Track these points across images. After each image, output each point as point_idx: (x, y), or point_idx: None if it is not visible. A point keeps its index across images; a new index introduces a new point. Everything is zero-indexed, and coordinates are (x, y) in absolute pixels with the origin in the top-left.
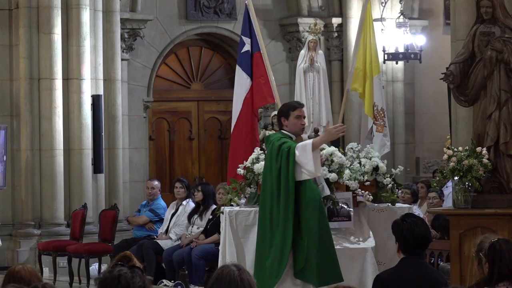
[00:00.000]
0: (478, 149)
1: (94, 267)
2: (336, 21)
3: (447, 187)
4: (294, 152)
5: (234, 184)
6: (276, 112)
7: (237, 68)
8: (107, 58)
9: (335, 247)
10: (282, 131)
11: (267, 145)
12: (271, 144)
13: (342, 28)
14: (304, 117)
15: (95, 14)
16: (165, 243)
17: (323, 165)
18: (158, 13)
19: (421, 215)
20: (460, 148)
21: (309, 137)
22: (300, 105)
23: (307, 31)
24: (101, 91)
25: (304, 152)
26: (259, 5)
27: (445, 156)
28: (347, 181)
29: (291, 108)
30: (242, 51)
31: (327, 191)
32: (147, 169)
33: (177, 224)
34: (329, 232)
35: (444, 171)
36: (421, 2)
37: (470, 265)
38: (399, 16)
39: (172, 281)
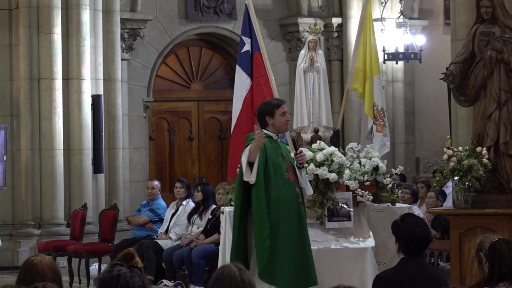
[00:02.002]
0: (478, 149)
1: (94, 267)
2: (336, 21)
3: (447, 187)
4: (243, 153)
5: (234, 184)
6: None
7: (237, 68)
8: (107, 58)
9: (336, 247)
10: (264, 130)
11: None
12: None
13: (342, 28)
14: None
15: (95, 14)
16: (165, 243)
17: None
18: (158, 13)
19: (421, 215)
20: (460, 148)
21: (311, 138)
22: (283, 102)
23: (307, 31)
24: (101, 91)
25: (244, 155)
26: (259, 5)
27: (445, 156)
28: (347, 181)
29: (275, 106)
30: (242, 51)
31: (309, 192)
32: (147, 169)
33: (177, 224)
34: (304, 234)
35: (444, 171)
36: (421, 2)
37: (470, 265)
38: (399, 16)
39: (172, 281)
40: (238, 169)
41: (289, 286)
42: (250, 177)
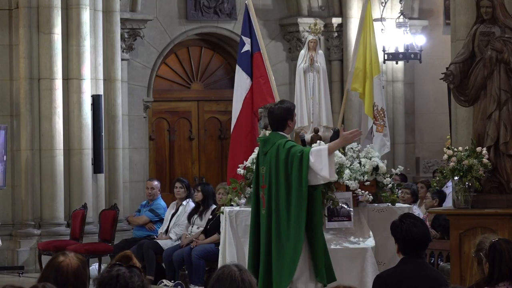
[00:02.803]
0: (478, 149)
1: (94, 267)
2: (336, 21)
3: (447, 187)
4: (307, 157)
5: (234, 184)
6: None
7: (237, 68)
8: (107, 58)
9: (335, 247)
10: (280, 133)
11: (265, 147)
12: (273, 146)
13: (342, 28)
14: None
15: (95, 14)
16: (165, 243)
17: None
18: (158, 13)
19: (421, 215)
20: (460, 148)
21: (311, 138)
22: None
23: (307, 31)
24: (101, 91)
25: (319, 158)
26: (259, 5)
27: (445, 156)
28: (347, 181)
29: (293, 110)
30: (242, 51)
31: (330, 176)
32: (147, 169)
33: (177, 224)
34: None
35: (444, 171)
36: (421, 2)
37: (470, 265)
38: (399, 16)
39: (172, 281)
40: (262, 171)
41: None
42: (334, 177)
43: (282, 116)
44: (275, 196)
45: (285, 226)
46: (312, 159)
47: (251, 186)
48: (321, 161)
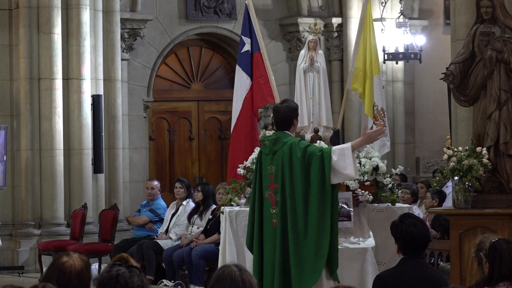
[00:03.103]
0: (478, 149)
1: (94, 267)
2: (336, 21)
3: (447, 187)
4: (329, 156)
5: (234, 184)
6: None
7: (237, 68)
8: (107, 58)
9: None
10: (286, 132)
11: (275, 146)
12: (285, 145)
13: (342, 28)
14: None
15: (95, 14)
16: (165, 243)
17: None
18: (158, 13)
19: (421, 215)
20: (460, 148)
21: (311, 138)
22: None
23: (307, 31)
24: (101, 91)
25: (343, 157)
26: (259, 5)
27: (445, 156)
28: (347, 181)
29: (297, 108)
30: (242, 51)
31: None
32: (147, 169)
33: (177, 224)
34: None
35: (444, 171)
36: (421, 2)
37: (470, 265)
38: (399, 16)
39: (172, 281)
40: (269, 171)
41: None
42: (357, 174)
43: (289, 115)
44: (291, 195)
45: (302, 225)
46: (335, 157)
47: (251, 186)
48: (345, 160)
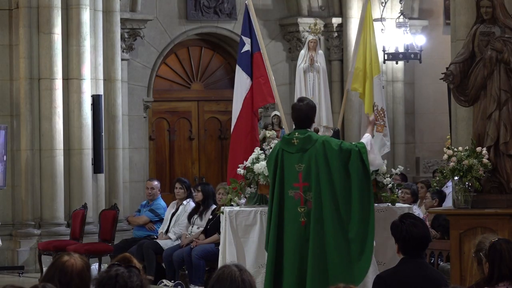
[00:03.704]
0: (478, 149)
1: (94, 267)
2: (336, 21)
3: (447, 187)
4: (365, 150)
5: (234, 184)
6: (277, 112)
7: (237, 68)
8: (107, 58)
9: None
10: (309, 130)
11: (307, 144)
12: (316, 142)
13: (342, 28)
14: None
15: (95, 14)
16: (165, 243)
17: None
18: (158, 13)
19: (421, 215)
20: (460, 148)
21: None
22: None
23: (307, 31)
24: (101, 91)
25: (372, 149)
26: (259, 5)
27: (445, 156)
28: None
29: (316, 106)
30: (242, 51)
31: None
32: (147, 169)
33: (177, 224)
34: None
35: (444, 171)
36: (421, 2)
37: (470, 265)
38: (399, 16)
39: (172, 281)
40: (298, 169)
41: None
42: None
43: (310, 114)
44: (329, 192)
45: (344, 220)
46: (369, 153)
47: (251, 186)
48: (374, 151)
